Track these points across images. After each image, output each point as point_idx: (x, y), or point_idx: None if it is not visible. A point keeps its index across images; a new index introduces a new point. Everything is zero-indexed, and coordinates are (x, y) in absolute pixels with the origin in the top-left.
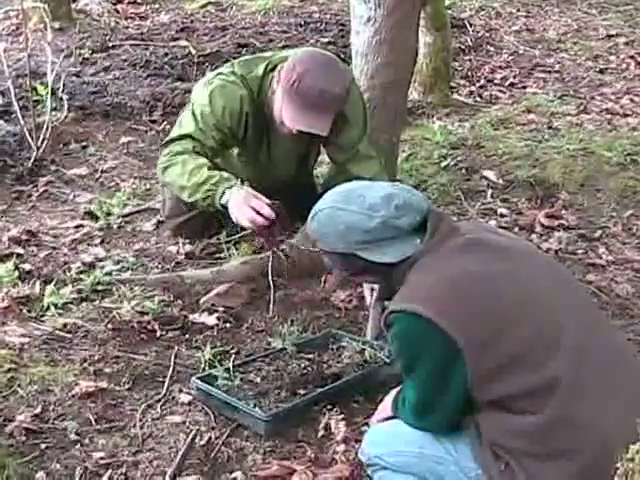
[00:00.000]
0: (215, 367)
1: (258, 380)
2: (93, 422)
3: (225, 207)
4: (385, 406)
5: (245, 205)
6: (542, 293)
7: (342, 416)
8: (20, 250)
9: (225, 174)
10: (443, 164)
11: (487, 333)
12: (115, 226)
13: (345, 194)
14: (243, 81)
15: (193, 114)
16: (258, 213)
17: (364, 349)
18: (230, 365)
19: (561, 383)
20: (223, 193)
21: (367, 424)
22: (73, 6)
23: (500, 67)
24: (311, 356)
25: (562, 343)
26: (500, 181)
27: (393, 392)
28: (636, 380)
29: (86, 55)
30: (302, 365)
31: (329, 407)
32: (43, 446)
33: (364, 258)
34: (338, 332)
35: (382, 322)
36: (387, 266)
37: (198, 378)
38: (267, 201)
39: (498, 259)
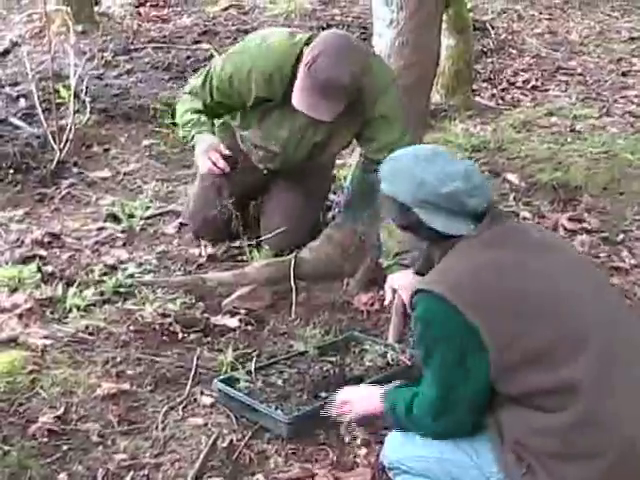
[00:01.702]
0: (237, 369)
1: (280, 383)
2: (115, 424)
3: None
4: (371, 396)
5: (205, 155)
6: (572, 291)
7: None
8: (43, 252)
9: (202, 118)
10: None
11: (511, 326)
12: (137, 228)
13: (432, 152)
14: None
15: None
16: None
17: (386, 352)
18: (252, 367)
19: (586, 383)
20: (193, 137)
21: (387, 427)
22: (96, 9)
23: (522, 70)
24: (333, 359)
25: (589, 343)
26: (522, 184)
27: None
28: None
29: (108, 58)
30: (324, 368)
31: None
32: (65, 448)
33: (419, 217)
34: (360, 335)
35: (408, 304)
36: (435, 235)
37: (220, 380)
38: (226, 153)
39: (533, 256)
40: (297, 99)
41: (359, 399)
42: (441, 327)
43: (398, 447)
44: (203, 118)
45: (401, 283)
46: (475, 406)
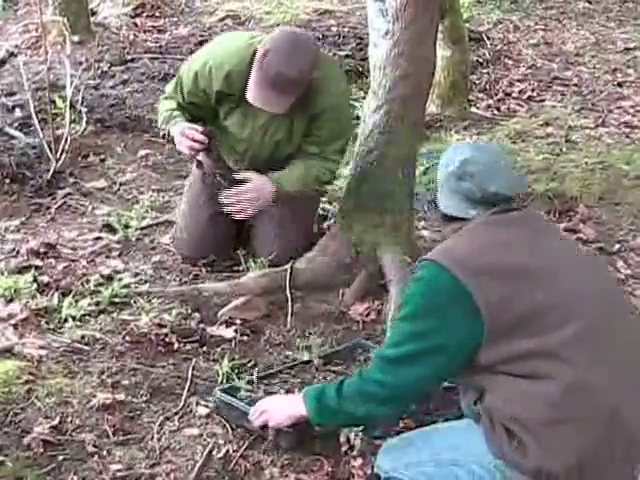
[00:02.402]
0: (233, 380)
1: (282, 392)
2: (111, 434)
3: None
4: (290, 401)
5: (182, 135)
6: (571, 273)
7: (360, 429)
8: (38, 262)
9: (175, 112)
10: None
11: (504, 291)
12: (133, 239)
13: (495, 150)
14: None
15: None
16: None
17: None
18: (254, 377)
19: (574, 351)
20: (169, 122)
21: (384, 438)
22: (92, 19)
23: (518, 80)
24: (338, 368)
25: (580, 315)
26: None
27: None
28: None
29: (105, 68)
30: (328, 377)
31: None
32: (61, 458)
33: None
34: (367, 342)
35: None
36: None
37: (220, 390)
38: (200, 128)
39: (540, 238)
40: (251, 94)
41: (277, 407)
42: (434, 292)
43: (392, 456)
44: (178, 112)
45: None
46: (438, 374)
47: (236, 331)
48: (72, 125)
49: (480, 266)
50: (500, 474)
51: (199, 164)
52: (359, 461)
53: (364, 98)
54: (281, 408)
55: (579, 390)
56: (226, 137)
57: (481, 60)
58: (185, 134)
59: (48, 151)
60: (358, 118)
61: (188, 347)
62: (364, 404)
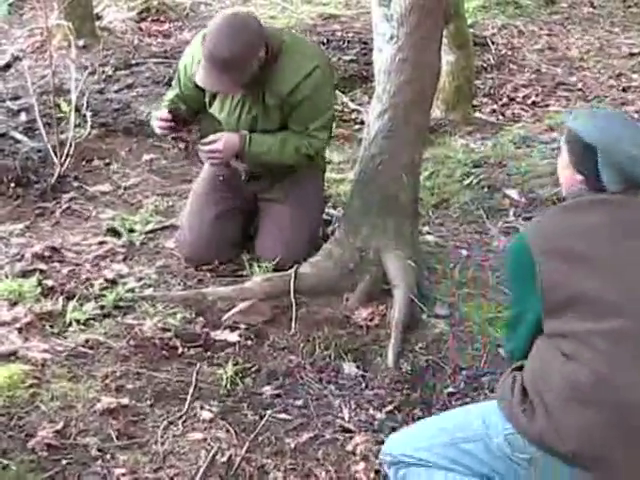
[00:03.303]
0: (237, 384)
1: None
2: (115, 438)
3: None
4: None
5: (155, 119)
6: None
7: (363, 433)
8: (43, 266)
9: (165, 102)
10: (465, 182)
11: (565, 272)
12: (138, 243)
13: (628, 119)
14: None
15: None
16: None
17: None
18: None
19: (615, 344)
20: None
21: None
22: (97, 24)
23: (523, 85)
24: None
25: (631, 313)
26: (522, 199)
27: None
28: None
29: (110, 72)
30: None
31: None
32: (64, 462)
33: (597, 161)
34: None
35: None
36: (595, 182)
37: None
38: (166, 111)
39: (628, 233)
40: (197, 76)
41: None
42: (512, 262)
43: (403, 442)
44: (169, 101)
45: None
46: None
47: (240, 335)
48: (77, 129)
49: (556, 248)
50: (508, 445)
51: (178, 139)
52: (362, 465)
53: (369, 103)
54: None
55: (603, 382)
56: (212, 123)
57: (485, 65)
58: (156, 117)
59: (53, 155)
60: (362, 123)
61: (192, 351)
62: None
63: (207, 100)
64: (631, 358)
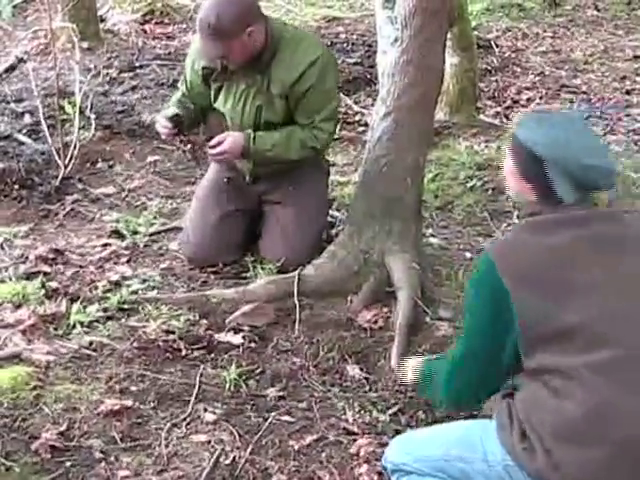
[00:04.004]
0: (241, 386)
1: None
2: (118, 440)
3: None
4: None
5: (159, 125)
6: (621, 291)
7: (366, 435)
8: (47, 268)
9: (170, 103)
10: (469, 185)
11: (542, 306)
12: (141, 245)
13: (586, 125)
14: None
15: None
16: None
17: None
18: None
19: (603, 375)
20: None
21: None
22: (101, 26)
23: (526, 88)
24: None
25: (617, 338)
26: None
27: None
28: None
29: (114, 75)
30: None
31: None
32: (68, 464)
33: (547, 174)
34: None
35: None
36: (549, 194)
37: None
38: (170, 114)
39: (601, 251)
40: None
41: None
42: (480, 284)
43: (403, 449)
44: (174, 102)
45: None
46: (492, 362)
47: (244, 338)
48: (81, 131)
49: (528, 273)
50: (507, 475)
51: (184, 142)
52: (365, 467)
53: (372, 105)
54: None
55: (597, 417)
56: (218, 120)
57: (490, 67)
58: (160, 122)
59: (57, 157)
60: (366, 125)
61: (196, 353)
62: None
63: (212, 94)
64: (625, 388)
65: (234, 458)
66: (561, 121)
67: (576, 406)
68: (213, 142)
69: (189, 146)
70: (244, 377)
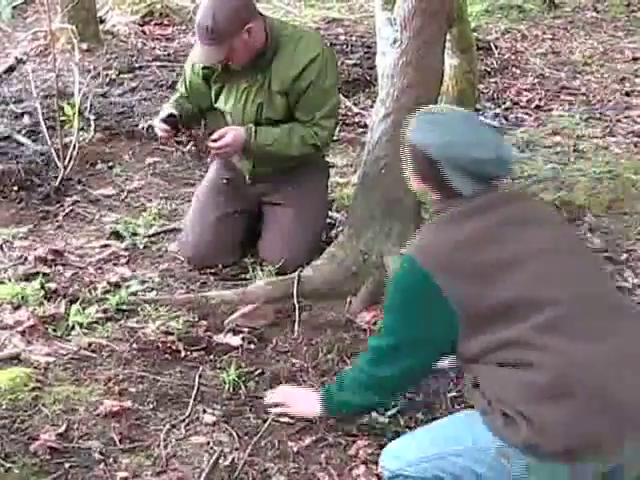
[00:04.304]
0: (240, 388)
1: None
2: (117, 442)
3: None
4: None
5: (157, 127)
6: (541, 257)
7: (366, 437)
8: (46, 269)
9: (167, 104)
10: None
11: (473, 288)
12: (141, 246)
13: (470, 117)
14: None
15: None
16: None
17: None
18: None
19: (552, 334)
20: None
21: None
22: (101, 27)
23: (526, 89)
24: None
25: (552, 298)
26: None
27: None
28: (633, 326)
29: (113, 76)
30: None
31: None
32: (67, 465)
33: (443, 173)
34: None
35: None
36: (449, 191)
37: None
38: (166, 114)
39: (512, 228)
40: (195, 56)
41: (294, 403)
42: (408, 286)
43: (396, 456)
44: (171, 103)
45: None
46: (421, 364)
47: (243, 339)
48: (80, 133)
49: (451, 263)
50: (501, 456)
51: (186, 135)
52: (362, 468)
53: (372, 107)
54: (298, 405)
55: (563, 372)
56: (218, 120)
57: (489, 69)
58: (157, 124)
59: (56, 158)
60: (366, 126)
61: (195, 355)
62: (359, 393)
63: (213, 95)
64: (577, 338)
65: (233, 459)
66: (450, 120)
67: (540, 370)
68: (215, 136)
69: (190, 142)
70: (243, 378)
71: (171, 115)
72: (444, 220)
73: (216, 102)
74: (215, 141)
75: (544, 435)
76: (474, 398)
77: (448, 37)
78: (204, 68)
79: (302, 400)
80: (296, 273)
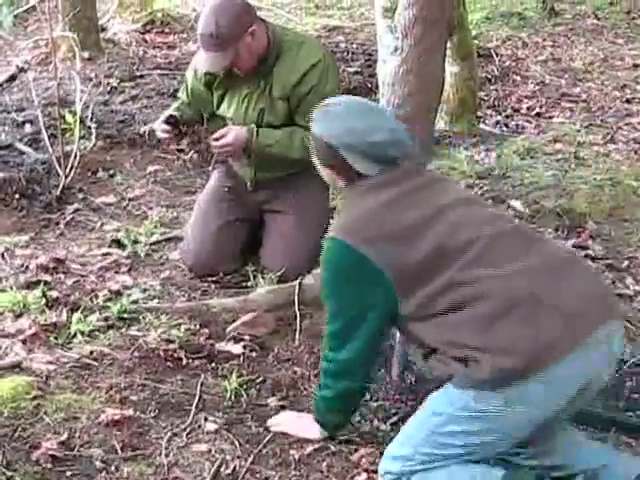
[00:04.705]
0: (242, 396)
1: None
2: (119, 450)
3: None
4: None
5: (158, 130)
6: (453, 208)
7: (367, 445)
8: (48, 277)
9: (169, 109)
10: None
11: (396, 250)
12: (142, 254)
13: (366, 106)
14: None
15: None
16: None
17: None
18: None
19: (479, 267)
20: None
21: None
22: (102, 35)
23: (526, 97)
24: None
25: (471, 238)
26: (527, 211)
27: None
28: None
29: (114, 84)
30: None
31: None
32: (69, 473)
33: (344, 157)
34: None
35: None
36: (353, 174)
37: None
38: (162, 122)
39: (422, 191)
40: (199, 63)
41: (294, 429)
42: (338, 264)
43: (393, 457)
44: (173, 108)
45: None
46: (373, 335)
47: (245, 347)
48: (81, 141)
49: (372, 233)
50: (480, 401)
51: (189, 135)
52: (364, 476)
53: None
54: (300, 431)
55: (503, 294)
56: (219, 125)
57: (490, 76)
58: (158, 127)
59: (57, 166)
60: None
61: (196, 363)
62: (333, 384)
63: (215, 101)
64: (503, 262)
65: (235, 468)
66: (346, 109)
67: (479, 300)
68: (216, 135)
69: (191, 149)
70: (245, 386)
71: (172, 116)
72: (356, 196)
73: (218, 108)
74: (217, 140)
75: (511, 354)
76: (432, 367)
77: (449, 45)
78: (206, 74)
79: (303, 426)
80: (297, 281)
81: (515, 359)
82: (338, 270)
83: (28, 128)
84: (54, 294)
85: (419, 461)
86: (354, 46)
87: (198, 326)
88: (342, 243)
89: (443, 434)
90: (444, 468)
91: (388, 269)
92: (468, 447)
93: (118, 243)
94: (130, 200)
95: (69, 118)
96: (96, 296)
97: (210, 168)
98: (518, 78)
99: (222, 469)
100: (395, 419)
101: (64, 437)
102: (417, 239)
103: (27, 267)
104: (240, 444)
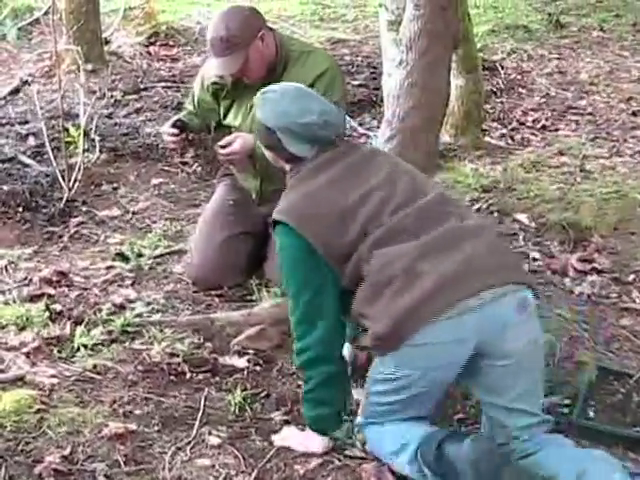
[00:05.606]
0: (245, 410)
1: None
2: (122, 464)
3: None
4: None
5: (165, 134)
6: (380, 189)
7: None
8: (51, 291)
9: (177, 118)
10: (475, 207)
11: (328, 230)
12: (146, 267)
13: (299, 91)
14: None
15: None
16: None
17: None
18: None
19: (405, 229)
20: None
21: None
22: (106, 48)
23: (532, 109)
24: None
25: (397, 205)
26: (532, 224)
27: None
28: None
29: (118, 97)
30: None
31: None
32: None
33: (280, 139)
34: None
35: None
36: (289, 155)
37: None
38: (169, 125)
39: (354, 172)
40: (211, 69)
41: (298, 446)
42: (284, 246)
43: (384, 439)
44: (178, 117)
45: None
46: (334, 313)
47: (249, 361)
48: (85, 154)
49: (308, 215)
50: (382, 367)
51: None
52: None
53: (378, 127)
54: (302, 444)
55: (382, 271)
56: (225, 135)
57: (495, 89)
58: (165, 132)
59: (61, 179)
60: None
61: (200, 377)
62: (311, 374)
63: (222, 111)
64: (399, 241)
65: None
66: (282, 94)
67: (368, 275)
68: (223, 142)
69: (197, 159)
70: (249, 400)
71: (179, 120)
72: (296, 181)
73: (225, 118)
74: (224, 148)
75: (378, 321)
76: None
77: (454, 58)
78: (214, 84)
79: (307, 440)
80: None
81: (385, 325)
82: (286, 253)
83: (32, 141)
84: (58, 307)
85: (370, 415)
86: (359, 59)
87: (202, 340)
88: (287, 228)
89: (373, 394)
90: (393, 423)
91: (322, 248)
92: (396, 404)
93: (122, 256)
94: (134, 213)
95: (73, 131)
96: (100, 309)
97: (215, 181)
98: (523, 91)
99: None
100: None
101: (67, 451)
102: (348, 220)
103: (30, 280)
104: (244, 459)
